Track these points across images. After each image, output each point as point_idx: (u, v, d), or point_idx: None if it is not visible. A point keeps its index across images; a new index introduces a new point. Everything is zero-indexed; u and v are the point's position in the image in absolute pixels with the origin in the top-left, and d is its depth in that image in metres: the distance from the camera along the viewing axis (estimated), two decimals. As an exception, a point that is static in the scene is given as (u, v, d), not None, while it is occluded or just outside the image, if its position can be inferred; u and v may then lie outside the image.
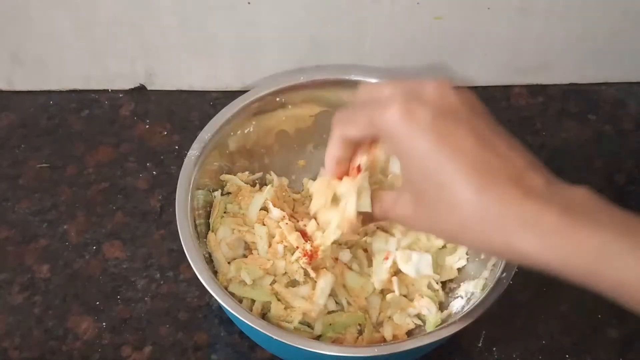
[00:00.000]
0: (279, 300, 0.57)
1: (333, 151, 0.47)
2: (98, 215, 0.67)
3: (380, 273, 0.59)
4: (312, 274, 0.56)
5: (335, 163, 0.48)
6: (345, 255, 0.60)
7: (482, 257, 0.59)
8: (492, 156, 0.39)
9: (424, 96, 0.41)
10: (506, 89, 0.78)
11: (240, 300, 0.56)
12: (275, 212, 0.60)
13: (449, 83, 0.41)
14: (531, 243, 0.37)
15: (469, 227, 0.39)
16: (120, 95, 0.75)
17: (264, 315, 0.57)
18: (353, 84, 0.63)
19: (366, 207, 0.48)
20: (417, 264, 0.58)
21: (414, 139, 0.39)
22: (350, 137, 0.46)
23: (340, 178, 0.49)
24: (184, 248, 0.54)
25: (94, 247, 0.65)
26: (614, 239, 0.36)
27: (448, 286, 0.61)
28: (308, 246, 0.56)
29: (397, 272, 0.59)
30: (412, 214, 0.43)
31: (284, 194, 0.64)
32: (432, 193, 0.40)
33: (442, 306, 0.60)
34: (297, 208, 0.64)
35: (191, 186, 0.57)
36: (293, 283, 0.58)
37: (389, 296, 0.59)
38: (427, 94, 0.41)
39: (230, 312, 0.52)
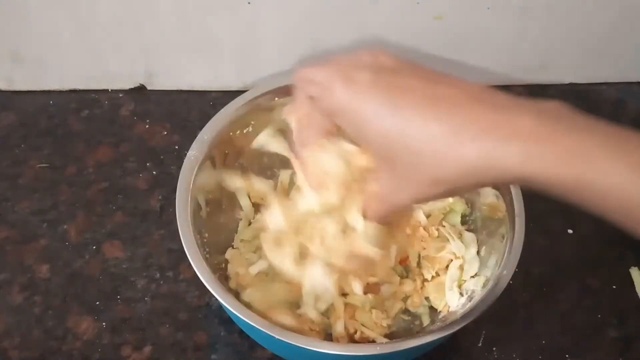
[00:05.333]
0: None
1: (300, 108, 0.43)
2: (98, 215, 0.67)
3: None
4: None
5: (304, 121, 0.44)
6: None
7: (483, 254, 0.59)
8: (445, 88, 0.37)
9: (360, 63, 0.40)
10: (506, 89, 0.77)
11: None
12: None
13: (383, 50, 0.40)
14: (513, 154, 0.34)
15: (445, 159, 0.36)
16: (120, 95, 0.75)
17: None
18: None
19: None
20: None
21: (363, 102, 0.38)
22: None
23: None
24: (184, 248, 0.54)
25: (94, 247, 0.65)
26: (599, 145, 0.33)
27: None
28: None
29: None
30: (395, 185, 0.40)
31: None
32: (399, 147, 0.37)
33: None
34: None
35: (191, 186, 0.57)
36: None
37: None
38: (362, 60, 0.40)
39: (230, 311, 0.52)
